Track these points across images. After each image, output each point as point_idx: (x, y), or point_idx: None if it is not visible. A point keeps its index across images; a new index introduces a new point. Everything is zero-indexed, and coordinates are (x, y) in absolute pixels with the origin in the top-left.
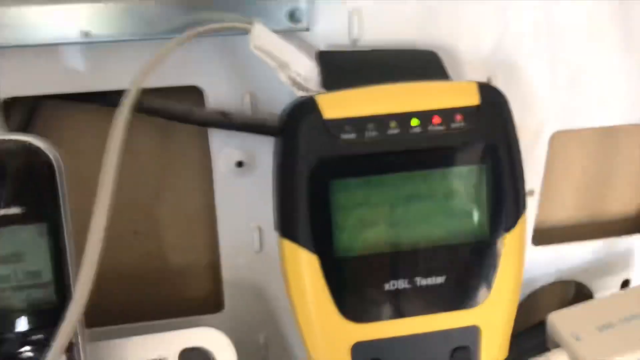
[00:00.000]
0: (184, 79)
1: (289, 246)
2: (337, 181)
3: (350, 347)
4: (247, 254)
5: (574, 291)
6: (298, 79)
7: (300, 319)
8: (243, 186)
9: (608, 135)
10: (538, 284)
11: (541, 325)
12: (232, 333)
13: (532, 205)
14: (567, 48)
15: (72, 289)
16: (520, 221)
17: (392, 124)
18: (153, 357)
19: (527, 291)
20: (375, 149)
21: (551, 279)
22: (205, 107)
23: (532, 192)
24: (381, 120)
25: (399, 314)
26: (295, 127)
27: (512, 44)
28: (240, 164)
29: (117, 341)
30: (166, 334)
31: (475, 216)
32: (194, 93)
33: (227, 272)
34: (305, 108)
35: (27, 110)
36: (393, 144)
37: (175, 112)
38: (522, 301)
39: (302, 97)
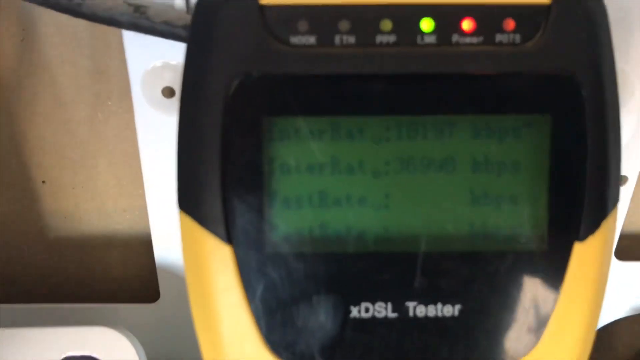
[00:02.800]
0: None
1: (189, 227)
2: (275, 119)
3: None
4: None
5: None
6: None
7: (202, 344)
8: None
9: None
10: (618, 314)
11: None
12: (167, 333)
13: (623, 200)
14: None
15: None
16: (606, 223)
17: (385, 24)
18: None
19: (601, 323)
20: (351, 67)
21: (638, 310)
22: None
23: (624, 180)
24: (366, 16)
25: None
26: (207, 17)
27: None
28: (170, 93)
29: None
30: (48, 330)
31: (525, 207)
32: None
33: (161, 251)
34: None
35: None
36: (385, 62)
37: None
38: None
39: None
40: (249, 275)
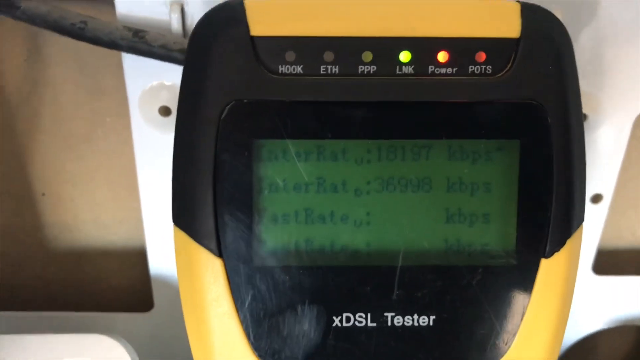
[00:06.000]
0: None
1: (182, 240)
2: (264, 142)
3: None
4: None
5: None
6: None
7: (194, 350)
8: (171, 145)
9: None
10: (596, 327)
11: None
12: (161, 340)
13: (598, 218)
14: None
15: None
16: (570, 241)
17: (367, 56)
18: None
19: (580, 336)
20: (335, 94)
21: (616, 322)
22: (107, 22)
23: (599, 198)
24: (349, 48)
25: None
26: (202, 47)
27: None
28: (166, 111)
29: None
30: (46, 337)
31: (495, 225)
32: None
33: (155, 261)
34: (224, 17)
35: None
36: (366, 90)
37: (61, 24)
38: (571, 348)
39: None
40: (238, 287)
